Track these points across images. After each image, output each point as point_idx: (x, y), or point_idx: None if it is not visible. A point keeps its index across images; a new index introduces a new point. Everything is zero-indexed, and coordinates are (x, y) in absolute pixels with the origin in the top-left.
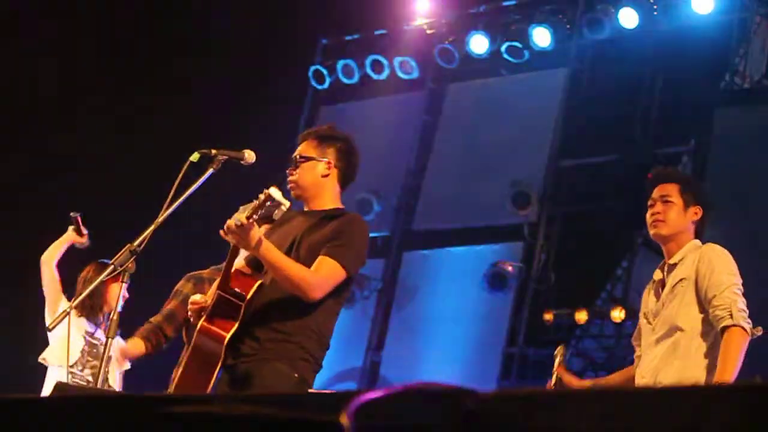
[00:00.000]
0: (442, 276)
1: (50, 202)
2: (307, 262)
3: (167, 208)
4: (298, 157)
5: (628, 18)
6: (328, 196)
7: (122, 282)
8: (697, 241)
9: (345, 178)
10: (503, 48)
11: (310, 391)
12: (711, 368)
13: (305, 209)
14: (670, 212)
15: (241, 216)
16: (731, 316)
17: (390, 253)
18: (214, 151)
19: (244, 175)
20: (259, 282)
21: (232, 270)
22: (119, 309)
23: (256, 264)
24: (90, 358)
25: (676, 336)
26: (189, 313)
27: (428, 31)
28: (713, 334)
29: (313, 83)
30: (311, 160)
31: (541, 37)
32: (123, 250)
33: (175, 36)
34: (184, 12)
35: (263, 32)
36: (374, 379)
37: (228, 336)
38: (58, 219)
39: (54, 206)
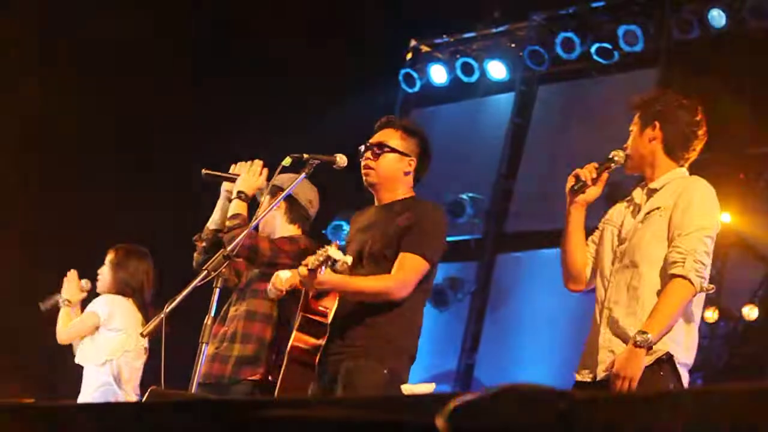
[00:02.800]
0: (535, 278)
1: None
2: (386, 252)
3: (260, 213)
4: (382, 144)
5: (717, 18)
6: (402, 190)
7: (215, 287)
8: (684, 171)
9: (419, 177)
10: (593, 49)
11: (404, 386)
12: (671, 333)
13: (376, 203)
14: (630, 142)
15: (302, 269)
16: (684, 264)
17: (483, 256)
18: (306, 155)
19: (337, 179)
20: (338, 296)
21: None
22: (212, 313)
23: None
24: None
25: (633, 273)
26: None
27: (518, 33)
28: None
29: (404, 86)
30: (396, 152)
31: (630, 37)
32: (216, 255)
33: (265, 39)
34: (276, 12)
35: (354, 36)
36: (468, 382)
37: (319, 355)
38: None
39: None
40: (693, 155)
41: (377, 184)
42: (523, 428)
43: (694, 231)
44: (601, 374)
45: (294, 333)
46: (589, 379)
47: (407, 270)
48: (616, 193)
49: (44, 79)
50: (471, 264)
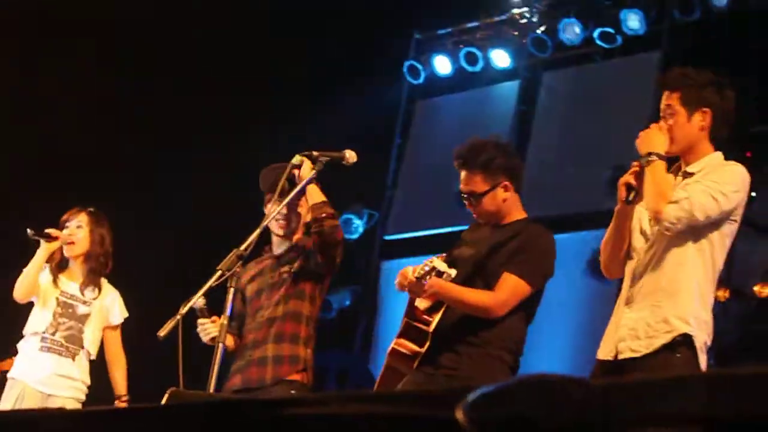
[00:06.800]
0: None
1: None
2: (496, 278)
3: (271, 212)
4: (472, 194)
5: None
6: (514, 210)
7: (230, 287)
8: (719, 155)
9: (519, 187)
10: (595, 34)
11: None
12: (690, 310)
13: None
14: (675, 128)
15: (408, 278)
16: (674, 204)
17: None
18: (315, 153)
19: (345, 174)
20: (444, 307)
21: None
22: (228, 313)
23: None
24: (64, 320)
25: (660, 254)
26: None
27: (520, 21)
28: (702, 266)
29: (409, 78)
30: (487, 194)
31: (633, 21)
32: (230, 254)
33: (268, 37)
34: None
35: (356, 30)
36: None
37: (417, 362)
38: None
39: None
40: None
41: (488, 220)
42: (543, 418)
43: (704, 185)
44: (624, 353)
45: (396, 338)
46: (610, 358)
47: (508, 291)
48: None
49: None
50: None
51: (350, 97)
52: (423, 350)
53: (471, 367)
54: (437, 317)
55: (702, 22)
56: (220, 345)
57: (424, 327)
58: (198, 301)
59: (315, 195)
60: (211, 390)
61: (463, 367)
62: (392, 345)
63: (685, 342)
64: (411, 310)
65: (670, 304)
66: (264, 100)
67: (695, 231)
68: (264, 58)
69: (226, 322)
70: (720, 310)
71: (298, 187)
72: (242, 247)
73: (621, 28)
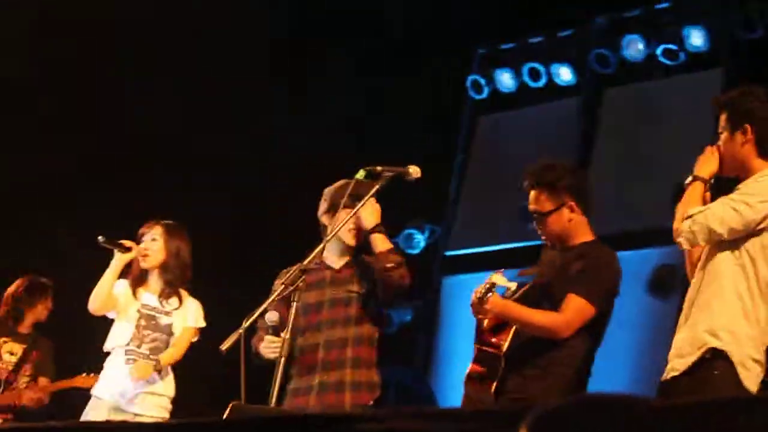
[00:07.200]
0: None
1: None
2: (561, 299)
3: (336, 226)
4: (536, 213)
5: None
6: (580, 232)
7: (293, 301)
8: None
9: (587, 210)
10: (658, 51)
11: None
12: (721, 324)
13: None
14: (722, 149)
15: (474, 297)
16: (688, 219)
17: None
18: (379, 168)
19: (408, 188)
20: (514, 329)
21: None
22: (290, 327)
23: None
24: (148, 332)
25: (705, 274)
26: None
27: (583, 37)
28: (744, 279)
29: (472, 93)
30: (552, 213)
31: (696, 38)
32: (293, 269)
33: (333, 50)
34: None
35: (420, 46)
36: None
37: (495, 386)
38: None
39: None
40: None
41: (555, 243)
42: None
43: (728, 198)
44: (672, 372)
45: (470, 364)
46: (664, 377)
47: (572, 312)
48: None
49: None
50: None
51: (413, 110)
52: (492, 372)
53: (536, 389)
54: (504, 337)
55: (764, 39)
56: (282, 360)
57: (490, 350)
58: (274, 317)
59: (381, 243)
60: (273, 404)
61: (528, 390)
62: (467, 371)
63: (720, 357)
64: (478, 334)
65: (704, 320)
66: (321, 116)
67: (731, 246)
68: (322, 72)
69: (288, 337)
70: None
71: (363, 201)
72: (306, 262)
73: (684, 45)
